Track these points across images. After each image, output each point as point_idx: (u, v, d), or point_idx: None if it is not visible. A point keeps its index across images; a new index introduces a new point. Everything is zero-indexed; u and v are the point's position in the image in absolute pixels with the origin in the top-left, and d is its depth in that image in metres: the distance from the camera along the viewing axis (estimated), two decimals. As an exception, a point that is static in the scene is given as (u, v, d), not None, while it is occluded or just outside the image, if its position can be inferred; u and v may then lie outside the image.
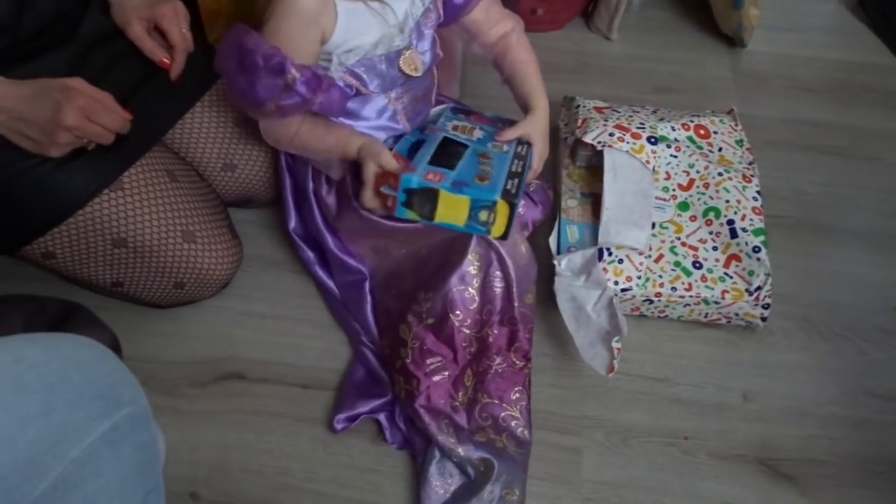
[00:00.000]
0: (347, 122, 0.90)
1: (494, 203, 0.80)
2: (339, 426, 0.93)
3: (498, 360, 0.94)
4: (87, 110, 0.79)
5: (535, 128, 0.92)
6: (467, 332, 0.92)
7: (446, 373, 0.93)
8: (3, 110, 0.76)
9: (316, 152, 0.89)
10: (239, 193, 1.05)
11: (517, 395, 0.94)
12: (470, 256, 0.89)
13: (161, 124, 0.95)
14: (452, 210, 0.82)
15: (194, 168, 0.99)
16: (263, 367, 1.00)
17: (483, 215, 0.82)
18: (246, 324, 1.04)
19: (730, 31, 1.41)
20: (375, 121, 0.91)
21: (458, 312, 0.91)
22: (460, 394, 0.93)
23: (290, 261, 1.09)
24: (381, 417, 0.94)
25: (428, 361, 0.92)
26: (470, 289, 0.91)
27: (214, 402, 0.97)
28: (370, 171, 0.83)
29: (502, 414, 0.92)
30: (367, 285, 1.01)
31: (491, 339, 0.93)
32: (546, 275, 1.06)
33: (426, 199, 0.82)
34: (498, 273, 0.90)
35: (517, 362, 0.95)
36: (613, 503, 0.90)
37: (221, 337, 1.03)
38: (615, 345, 0.92)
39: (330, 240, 0.99)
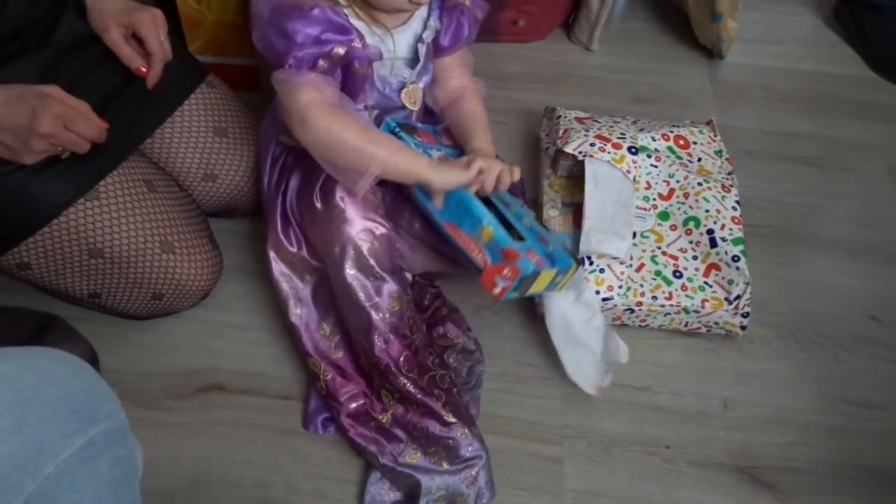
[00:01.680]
0: None
1: (572, 267, 0.88)
2: (311, 428, 0.94)
3: (402, 380, 0.89)
4: (63, 118, 0.78)
5: (486, 156, 0.89)
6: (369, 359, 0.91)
7: (362, 400, 0.92)
8: None
9: (362, 153, 0.80)
10: (220, 203, 1.04)
11: (440, 406, 0.89)
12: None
13: (138, 133, 0.94)
14: (541, 282, 0.85)
15: (174, 178, 0.99)
16: (243, 378, 0.99)
17: (560, 279, 0.88)
18: (226, 335, 1.03)
19: (709, 43, 1.43)
20: None
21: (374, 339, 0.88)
22: (381, 416, 0.91)
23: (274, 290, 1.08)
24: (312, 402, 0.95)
25: (342, 391, 0.92)
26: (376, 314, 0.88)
27: (194, 414, 0.96)
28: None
29: (432, 429, 0.88)
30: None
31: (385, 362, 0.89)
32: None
33: (530, 280, 0.83)
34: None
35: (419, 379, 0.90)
36: (595, 513, 0.90)
37: (201, 348, 1.02)
38: (609, 369, 0.92)
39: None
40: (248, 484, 0.91)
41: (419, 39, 0.88)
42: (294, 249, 0.94)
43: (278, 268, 0.94)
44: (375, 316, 0.87)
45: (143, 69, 0.89)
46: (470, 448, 0.88)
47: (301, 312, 0.94)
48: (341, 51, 0.79)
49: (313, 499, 0.90)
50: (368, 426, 0.91)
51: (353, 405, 0.92)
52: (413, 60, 0.90)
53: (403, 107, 0.91)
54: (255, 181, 1.04)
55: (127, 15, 0.88)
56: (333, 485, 0.91)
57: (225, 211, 1.07)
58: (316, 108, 0.79)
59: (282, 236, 0.94)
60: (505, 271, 0.79)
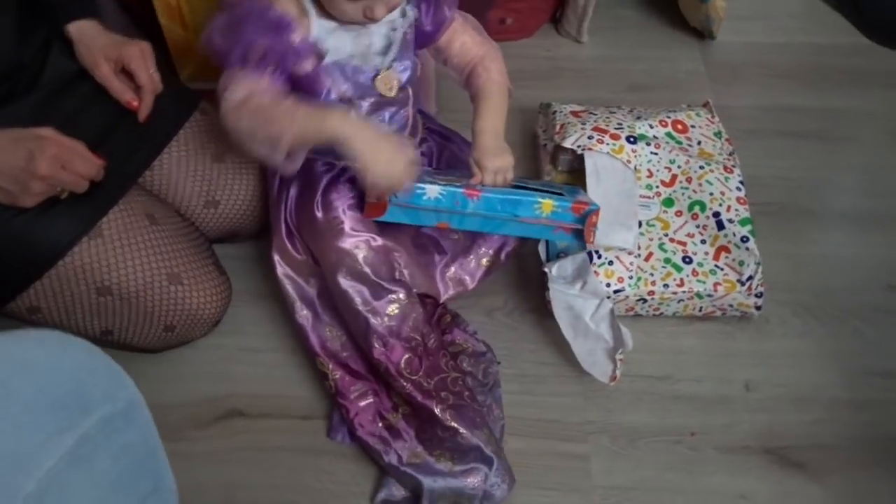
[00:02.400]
0: None
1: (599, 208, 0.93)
2: (337, 437, 0.95)
3: (402, 382, 0.89)
4: (60, 158, 0.78)
5: (478, 152, 0.89)
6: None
7: (371, 399, 0.93)
8: None
9: (273, 120, 0.80)
10: (223, 229, 1.04)
11: (442, 410, 0.88)
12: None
13: (136, 166, 0.94)
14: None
15: (175, 208, 0.99)
16: (263, 401, 0.99)
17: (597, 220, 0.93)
18: (241, 359, 1.03)
19: (699, 25, 1.42)
20: None
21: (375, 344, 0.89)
22: (391, 415, 0.92)
23: (280, 292, 1.08)
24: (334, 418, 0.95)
25: (352, 389, 0.93)
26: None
27: (217, 442, 0.96)
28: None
29: (436, 431, 0.88)
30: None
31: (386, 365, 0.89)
32: (537, 282, 1.06)
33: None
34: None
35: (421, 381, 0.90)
36: (626, 507, 0.89)
37: (218, 375, 1.02)
38: (619, 356, 0.92)
39: None
40: (276, 507, 0.91)
41: (393, 27, 0.87)
42: (299, 256, 0.94)
43: (283, 270, 0.95)
44: (373, 320, 0.88)
45: (135, 102, 0.89)
46: (474, 452, 0.87)
47: (307, 313, 0.94)
48: (262, 48, 0.79)
49: (342, 517, 0.90)
50: (376, 425, 0.91)
51: (363, 403, 0.92)
52: (385, 48, 0.88)
53: (381, 94, 0.89)
54: (257, 204, 1.04)
55: (115, 49, 0.88)
56: (361, 501, 0.91)
57: (229, 236, 1.07)
58: (237, 96, 0.81)
59: (286, 241, 0.94)
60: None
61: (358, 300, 0.88)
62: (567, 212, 0.90)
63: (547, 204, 0.89)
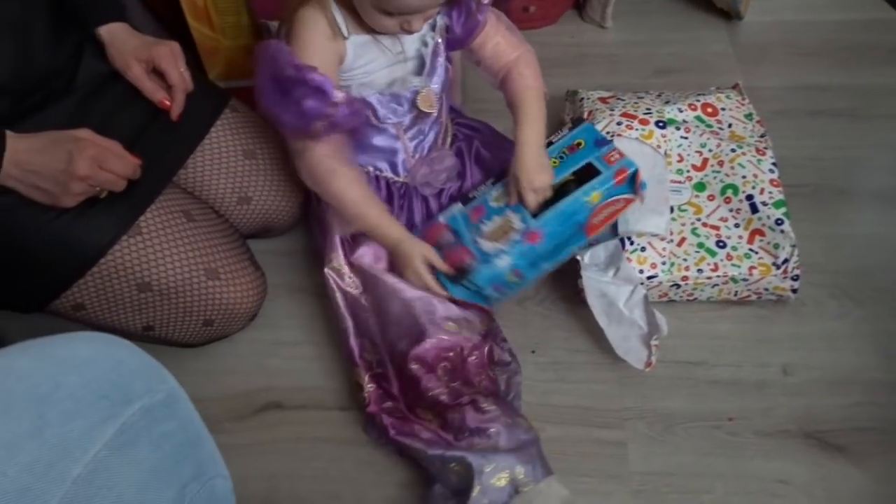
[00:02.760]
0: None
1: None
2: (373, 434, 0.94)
3: (437, 389, 0.88)
4: (98, 159, 0.79)
5: (520, 168, 0.90)
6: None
7: (401, 416, 0.92)
8: (15, 164, 0.77)
9: (346, 212, 0.91)
10: (257, 225, 1.05)
11: (482, 403, 0.87)
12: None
13: (170, 165, 0.95)
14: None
15: (209, 205, 1.00)
16: (300, 393, 1.01)
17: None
18: (277, 352, 1.05)
19: (725, 5, 1.40)
20: (381, 152, 0.96)
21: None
22: (426, 422, 0.90)
23: (314, 285, 1.09)
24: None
25: (383, 405, 0.92)
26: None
27: (256, 434, 0.98)
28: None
29: (471, 424, 0.86)
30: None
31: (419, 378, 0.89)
32: (568, 271, 1.06)
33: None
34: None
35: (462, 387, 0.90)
36: (664, 493, 0.89)
37: (255, 368, 1.03)
38: (654, 342, 0.91)
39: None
40: (317, 498, 0.92)
41: (424, 42, 0.89)
42: (349, 266, 0.96)
43: (329, 272, 0.96)
44: (430, 328, 0.88)
45: (167, 102, 0.91)
46: (516, 433, 0.85)
47: (350, 323, 0.95)
48: (322, 125, 0.83)
49: (383, 506, 0.91)
50: (412, 427, 0.90)
51: (392, 419, 0.91)
52: (419, 66, 0.91)
53: (423, 113, 0.92)
54: (289, 199, 1.05)
55: (146, 50, 0.90)
56: (402, 491, 0.92)
57: (262, 231, 1.09)
58: (317, 171, 0.88)
59: (339, 248, 0.96)
60: (640, 175, 0.90)
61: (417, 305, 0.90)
62: (616, 188, 0.89)
63: (595, 195, 0.88)
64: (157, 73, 0.91)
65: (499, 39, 0.93)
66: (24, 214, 0.81)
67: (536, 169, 0.89)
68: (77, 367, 0.46)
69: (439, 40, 0.90)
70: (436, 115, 0.95)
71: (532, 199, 0.89)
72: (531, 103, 0.92)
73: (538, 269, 0.92)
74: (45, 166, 0.78)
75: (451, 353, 0.89)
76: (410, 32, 0.83)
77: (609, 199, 0.89)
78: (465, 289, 0.92)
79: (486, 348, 0.93)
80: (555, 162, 0.93)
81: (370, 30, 0.85)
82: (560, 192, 0.90)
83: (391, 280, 0.92)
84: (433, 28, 0.89)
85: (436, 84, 0.92)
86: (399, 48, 0.87)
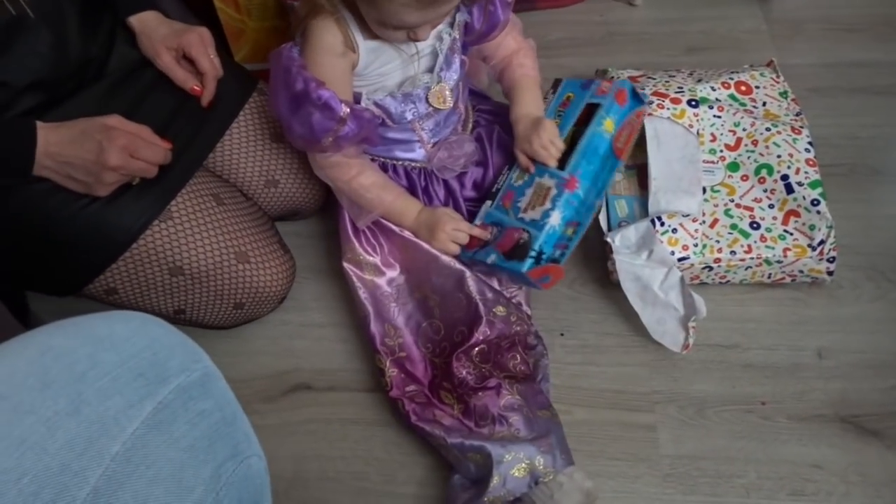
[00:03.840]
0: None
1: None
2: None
3: (465, 370, 0.90)
4: (129, 148, 0.80)
5: (520, 138, 0.93)
6: (437, 360, 0.93)
7: (424, 400, 0.92)
8: (48, 155, 0.78)
9: (363, 200, 0.92)
10: (284, 207, 1.05)
11: (505, 390, 0.88)
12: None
13: (200, 150, 0.96)
14: None
15: (238, 188, 1.00)
16: (329, 375, 1.01)
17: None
18: (306, 335, 1.05)
19: (758, -20, 1.36)
20: (396, 143, 0.95)
21: (428, 346, 0.94)
22: (447, 408, 0.90)
23: (341, 267, 1.09)
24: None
25: (406, 389, 0.92)
26: (435, 321, 0.93)
27: (285, 415, 0.99)
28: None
29: (493, 410, 0.86)
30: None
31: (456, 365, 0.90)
32: (597, 253, 1.05)
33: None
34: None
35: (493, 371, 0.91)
36: (695, 477, 0.89)
37: (284, 350, 1.04)
38: (691, 324, 0.90)
39: None
40: (345, 478, 0.93)
41: (440, 37, 0.88)
42: (369, 257, 0.97)
43: (349, 268, 0.97)
44: (482, 308, 0.89)
45: (198, 88, 0.91)
46: (537, 422, 0.85)
47: (370, 310, 0.95)
48: (330, 139, 0.84)
49: (411, 487, 0.91)
50: (432, 412, 0.90)
51: (418, 400, 0.92)
52: (432, 62, 0.90)
53: (436, 109, 0.92)
54: (316, 182, 1.05)
55: (175, 38, 0.90)
56: (429, 472, 0.92)
57: (290, 214, 1.09)
58: (333, 173, 0.91)
59: (354, 241, 0.97)
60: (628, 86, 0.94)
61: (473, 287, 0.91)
62: (622, 109, 0.92)
63: (607, 123, 0.91)
64: (188, 60, 0.92)
65: (506, 34, 0.95)
66: (57, 201, 0.82)
67: (534, 129, 0.90)
68: (113, 345, 0.46)
69: (456, 36, 0.90)
70: (451, 107, 0.94)
71: (547, 155, 0.90)
72: (528, 87, 0.95)
73: (590, 209, 0.92)
74: (76, 157, 0.78)
75: (495, 340, 0.89)
76: (418, 41, 0.83)
77: (622, 122, 0.92)
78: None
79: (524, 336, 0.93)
80: (556, 122, 0.93)
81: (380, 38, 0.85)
82: (574, 140, 0.91)
83: (433, 251, 0.92)
84: (451, 24, 0.88)
85: (450, 80, 0.91)
86: (413, 50, 0.87)
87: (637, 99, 0.93)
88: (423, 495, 0.91)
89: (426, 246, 0.93)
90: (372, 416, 0.97)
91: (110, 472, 0.42)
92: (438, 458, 0.92)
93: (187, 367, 0.48)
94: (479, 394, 0.87)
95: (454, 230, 0.91)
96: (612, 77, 1.04)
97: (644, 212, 0.99)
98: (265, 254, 0.95)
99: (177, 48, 0.90)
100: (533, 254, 0.87)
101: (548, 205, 0.88)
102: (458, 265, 0.92)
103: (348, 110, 0.82)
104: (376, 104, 0.89)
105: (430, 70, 0.90)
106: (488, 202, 0.96)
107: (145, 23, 0.91)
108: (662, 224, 0.97)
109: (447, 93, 0.91)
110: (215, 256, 0.90)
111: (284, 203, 1.05)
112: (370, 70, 0.87)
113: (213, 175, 0.97)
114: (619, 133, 0.92)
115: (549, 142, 0.90)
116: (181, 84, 0.91)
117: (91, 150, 0.78)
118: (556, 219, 0.88)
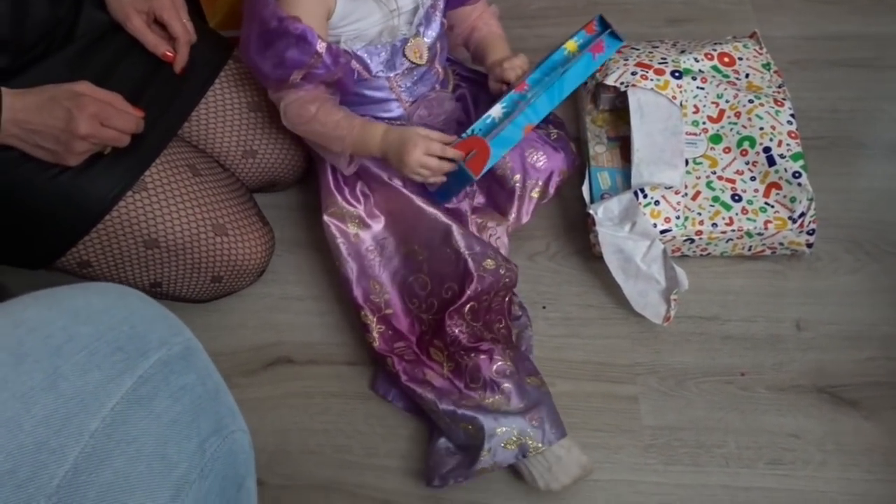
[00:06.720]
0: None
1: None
2: (380, 390, 0.95)
3: (459, 327, 0.89)
4: (99, 116, 0.77)
5: (492, 78, 0.95)
6: (425, 316, 0.92)
7: (412, 357, 0.91)
8: (15, 123, 0.74)
9: (331, 139, 0.89)
10: (262, 179, 1.03)
11: (498, 356, 0.87)
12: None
13: (174, 118, 0.93)
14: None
15: (214, 159, 0.98)
16: (309, 348, 1.00)
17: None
18: (286, 308, 1.04)
19: (741, -49, 1.35)
20: (373, 102, 0.93)
21: (415, 300, 0.93)
22: (430, 376, 0.90)
23: (319, 240, 1.07)
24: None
25: (394, 345, 0.92)
26: (422, 275, 0.92)
27: (266, 388, 0.98)
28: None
29: (487, 374, 0.86)
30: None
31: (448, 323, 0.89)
32: (579, 225, 1.05)
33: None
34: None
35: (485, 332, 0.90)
36: (675, 447, 0.90)
37: (264, 324, 1.03)
38: (673, 297, 0.90)
39: None
40: (327, 451, 0.93)
41: None
42: (351, 207, 0.95)
43: (331, 221, 0.94)
44: (472, 264, 0.88)
45: (170, 54, 0.88)
46: (529, 391, 0.86)
47: (353, 265, 0.94)
48: (299, 76, 0.84)
49: (393, 459, 0.91)
50: (423, 372, 0.89)
51: (407, 357, 0.91)
52: (412, 17, 0.89)
53: (413, 64, 0.90)
54: (295, 152, 1.03)
55: (146, 1, 0.86)
56: (411, 445, 0.92)
57: (268, 185, 1.07)
58: (293, 110, 0.88)
59: (336, 192, 0.95)
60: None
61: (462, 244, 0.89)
62: (587, 36, 0.95)
63: (571, 44, 0.94)
64: (159, 24, 0.88)
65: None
66: (27, 170, 0.79)
67: (501, 68, 0.92)
68: (90, 317, 0.44)
69: None
70: (428, 66, 0.93)
71: (510, 68, 0.92)
72: (497, 43, 0.98)
73: (532, 113, 0.89)
74: (44, 125, 0.75)
75: (485, 295, 0.88)
76: None
77: (587, 46, 0.93)
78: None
79: (509, 296, 0.93)
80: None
81: None
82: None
83: (417, 200, 0.91)
84: None
85: (429, 37, 0.90)
86: (394, 5, 0.85)
87: (604, 25, 0.95)
88: (405, 468, 0.91)
89: (413, 196, 0.91)
90: (353, 389, 0.97)
91: (90, 449, 0.41)
92: (420, 430, 0.92)
93: (168, 340, 0.47)
94: (472, 355, 0.87)
95: (425, 154, 0.85)
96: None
97: (627, 184, 0.98)
98: (243, 226, 0.93)
99: (147, 11, 0.87)
100: (465, 133, 0.88)
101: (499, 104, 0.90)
102: (444, 218, 0.90)
103: (325, 45, 0.81)
104: (353, 55, 0.87)
105: (409, 23, 0.89)
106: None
107: None
108: (645, 196, 0.97)
109: (424, 49, 0.90)
110: (192, 229, 0.88)
111: (263, 174, 1.03)
112: (347, 21, 0.86)
113: (189, 145, 0.95)
114: (578, 59, 0.93)
115: (518, 65, 0.92)
116: (152, 49, 0.87)
117: (60, 117, 0.75)
118: (496, 111, 0.89)
